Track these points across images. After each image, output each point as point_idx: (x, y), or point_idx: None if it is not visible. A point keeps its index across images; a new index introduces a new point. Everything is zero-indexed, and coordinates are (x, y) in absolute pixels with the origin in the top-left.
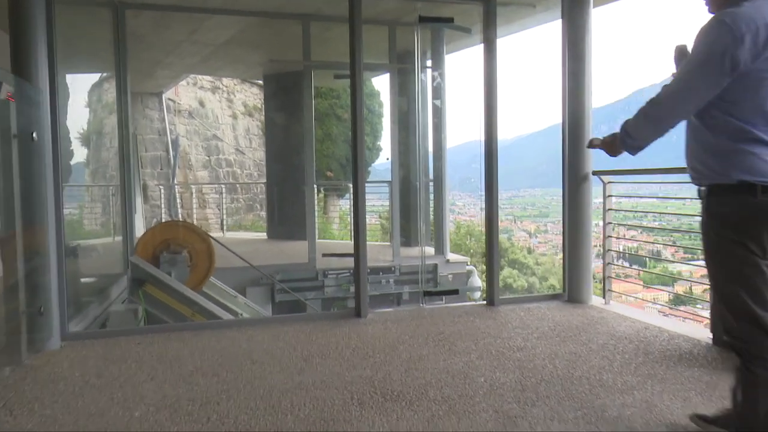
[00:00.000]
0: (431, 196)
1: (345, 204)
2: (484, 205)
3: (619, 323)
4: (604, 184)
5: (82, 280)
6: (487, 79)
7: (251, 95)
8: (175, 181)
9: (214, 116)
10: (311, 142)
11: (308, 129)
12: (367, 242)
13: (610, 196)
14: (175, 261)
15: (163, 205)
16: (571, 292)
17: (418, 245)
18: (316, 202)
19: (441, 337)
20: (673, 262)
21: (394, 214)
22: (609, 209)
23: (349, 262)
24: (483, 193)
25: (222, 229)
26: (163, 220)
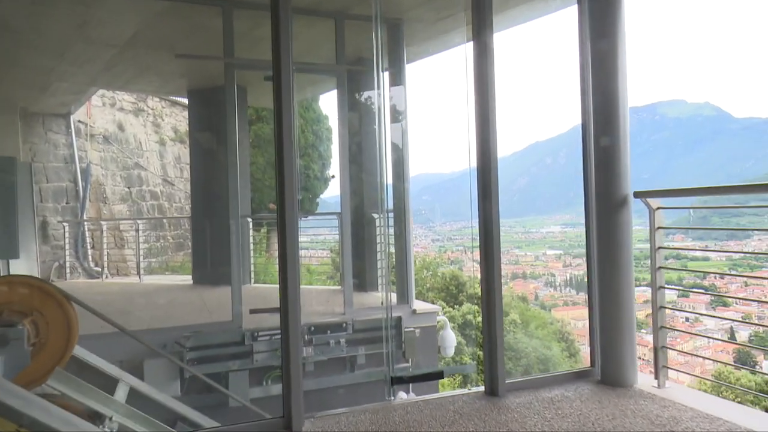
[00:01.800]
0: (391, 230)
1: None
2: (479, 259)
3: (691, 424)
4: (652, 211)
5: None
6: (480, 86)
7: (183, 119)
8: (85, 217)
9: (136, 142)
10: (235, 165)
11: (232, 148)
12: (314, 286)
13: (661, 228)
14: (5, 339)
15: (68, 246)
16: (606, 369)
17: (373, 290)
18: (251, 239)
19: None
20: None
21: (344, 252)
22: (659, 248)
23: None
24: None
25: (138, 273)
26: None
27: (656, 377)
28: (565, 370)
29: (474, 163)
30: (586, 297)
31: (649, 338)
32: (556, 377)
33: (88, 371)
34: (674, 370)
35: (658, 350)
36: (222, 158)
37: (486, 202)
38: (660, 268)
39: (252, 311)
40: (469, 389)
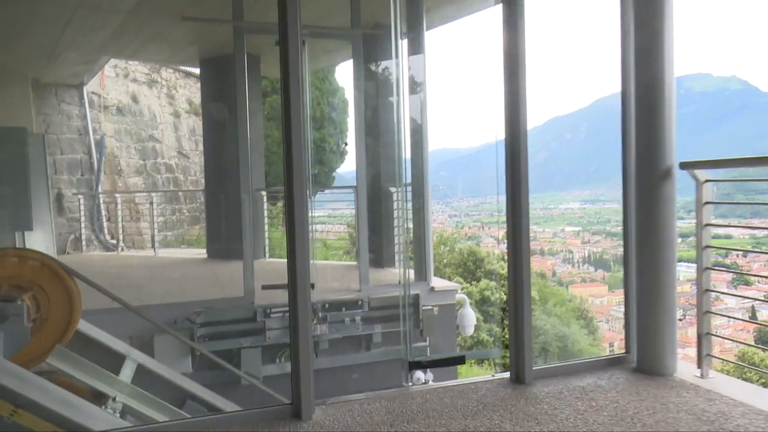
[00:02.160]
0: (409, 205)
1: (312, 213)
2: (506, 235)
3: (743, 421)
4: (699, 184)
5: None
6: (510, 52)
7: (197, 91)
8: (100, 189)
9: (150, 114)
10: (246, 136)
11: (242, 119)
12: (330, 261)
13: (709, 203)
14: (4, 314)
15: (83, 218)
16: (643, 356)
17: (390, 266)
18: (265, 212)
19: None
20: None
21: (360, 227)
22: (706, 224)
23: None
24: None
25: (153, 246)
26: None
27: (699, 366)
28: (597, 356)
29: (500, 136)
30: (622, 277)
31: None
32: (588, 364)
33: (95, 348)
34: (718, 358)
35: (702, 337)
36: (234, 130)
37: (514, 175)
38: (707, 247)
39: (264, 287)
40: (493, 375)
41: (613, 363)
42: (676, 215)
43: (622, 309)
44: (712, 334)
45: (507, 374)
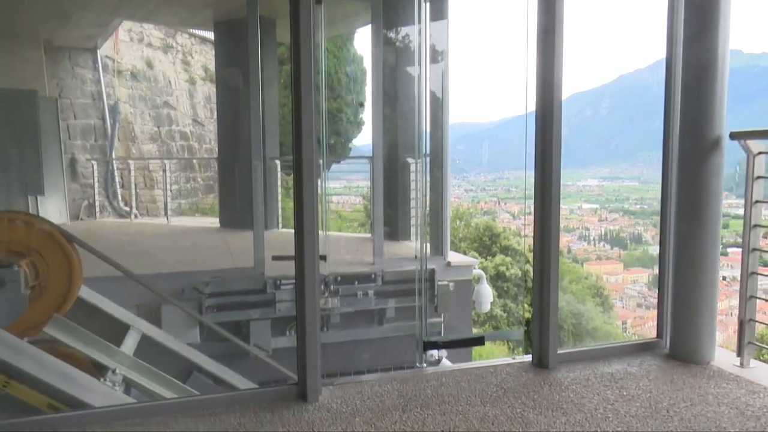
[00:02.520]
0: (427, 177)
1: (327, 184)
2: (533, 210)
3: None
4: (752, 156)
5: None
6: (547, 10)
7: (213, 58)
8: (114, 156)
9: (165, 80)
10: (258, 103)
11: (255, 85)
12: (344, 233)
13: (761, 177)
14: (1, 281)
15: (96, 185)
16: (678, 342)
17: (406, 239)
18: (279, 182)
19: None
20: None
21: (376, 199)
22: (757, 202)
23: None
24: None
25: (165, 214)
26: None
27: (738, 354)
28: (626, 340)
29: (529, 108)
30: (639, 255)
31: None
32: (616, 348)
33: (99, 317)
34: (761, 346)
35: (745, 323)
36: (248, 97)
37: (545, 149)
38: (756, 226)
39: (274, 258)
40: (513, 358)
41: (643, 348)
42: (722, 190)
43: (637, 288)
44: (757, 321)
45: (528, 357)
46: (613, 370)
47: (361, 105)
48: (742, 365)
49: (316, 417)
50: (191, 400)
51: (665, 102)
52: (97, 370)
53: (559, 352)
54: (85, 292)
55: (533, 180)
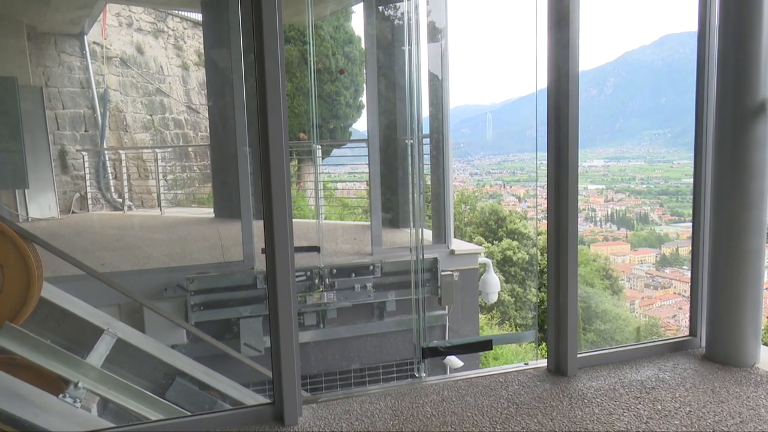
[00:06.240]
0: (426, 160)
1: (327, 171)
2: (545, 200)
3: None
4: None
5: None
6: None
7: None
8: (105, 146)
9: (157, 66)
10: (241, 85)
11: (238, 65)
12: (343, 222)
13: None
14: None
15: (88, 176)
16: (715, 341)
17: (407, 226)
18: None
19: None
20: None
21: (373, 184)
22: None
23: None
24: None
25: (158, 205)
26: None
27: None
28: (655, 340)
29: (540, 85)
30: (646, 235)
31: None
32: (644, 350)
33: (72, 320)
34: None
35: None
36: (233, 80)
37: (560, 129)
38: None
39: (264, 251)
40: (526, 364)
41: (675, 348)
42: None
43: (644, 267)
44: None
45: (544, 362)
46: (643, 377)
47: (341, 72)
48: None
49: None
50: (156, 425)
51: (698, 73)
52: (65, 384)
53: (579, 355)
54: (56, 294)
55: (545, 162)
